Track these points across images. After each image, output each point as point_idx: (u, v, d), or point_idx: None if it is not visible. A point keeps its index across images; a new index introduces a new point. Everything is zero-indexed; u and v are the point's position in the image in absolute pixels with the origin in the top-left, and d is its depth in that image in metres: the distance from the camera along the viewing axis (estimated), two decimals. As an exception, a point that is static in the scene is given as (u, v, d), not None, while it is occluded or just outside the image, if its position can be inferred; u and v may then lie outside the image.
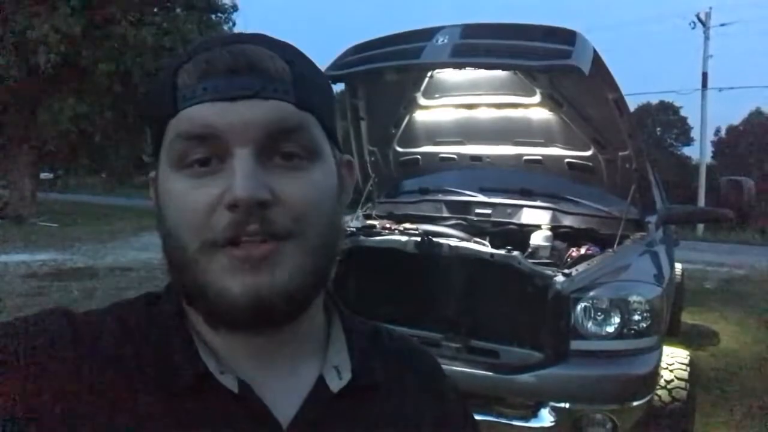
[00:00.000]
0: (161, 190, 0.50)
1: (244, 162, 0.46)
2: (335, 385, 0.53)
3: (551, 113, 3.33)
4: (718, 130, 36.55)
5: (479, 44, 2.82)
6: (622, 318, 2.49)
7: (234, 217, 0.46)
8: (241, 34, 0.52)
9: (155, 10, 14.52)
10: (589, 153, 3.41)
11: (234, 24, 16.55)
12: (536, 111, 3.39)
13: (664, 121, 40.25)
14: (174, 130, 0.48)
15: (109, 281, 7.25)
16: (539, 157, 3.63)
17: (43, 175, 19.15)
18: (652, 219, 3.30)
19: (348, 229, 3.25)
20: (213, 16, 16.12)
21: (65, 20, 12.29)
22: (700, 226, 18.22)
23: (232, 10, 16.49)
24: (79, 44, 12.85)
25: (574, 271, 2.58)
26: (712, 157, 32.83)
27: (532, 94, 3.25)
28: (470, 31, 2.86)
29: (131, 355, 0.49)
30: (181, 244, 0.48)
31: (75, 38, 12.56)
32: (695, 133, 31.35)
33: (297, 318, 0.51)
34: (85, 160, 17.05)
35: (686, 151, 37.44)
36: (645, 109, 39.01)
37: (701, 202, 17.65)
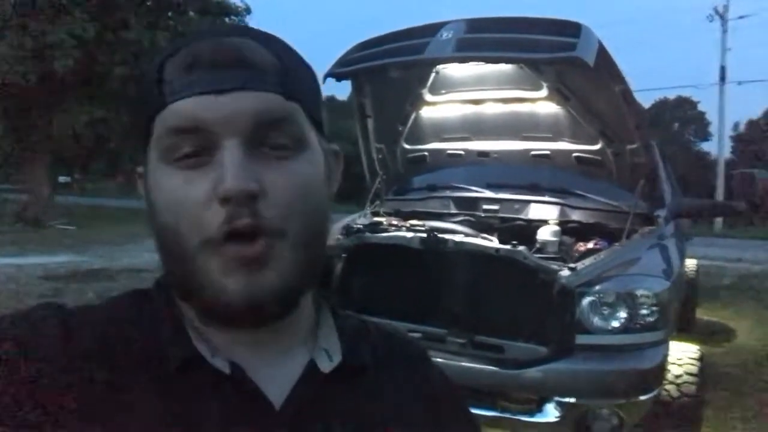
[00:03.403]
0: (152, 184, 0.51)
1: (233, 154, 0.47)
2: (326, 366, 0.53)
3: (558, 107, 3.31)
4: (737, 125, 35.98)
5: (484, 38, 2.81)
6: (628, 312, 2.47)
7: (227, 212, 0.46)
8: (228, 27, 0.53)
9: (169, 14, 14.67)
10: (597, 147, 3.39)
11: (247, 26, 16.66)
12: (543, 105, 3.37)
13: (682, 116, 39.79)
14: (162, 125, 0.48)
15: (124, 282, 7.33)
16: (547, 152, 3.61)
17: (61, 179, 19.41)
18: (662, 213, 3.26)
19: (355, 226, 3.26)
20: (226, 19, 16.25)
21: (81, 26, 12.46)
22: (718, 222, 17.97)
23: (245, 13, 16.64)
24: (95, 49, 13.03)
25: (579, 265, 2.56)
26: (732, 152, 32.31)
27: (538, 88, 3.23)
28: (474, 25, 2.86)
29: (122, 342, 0.50)
30: (177, 241, 0.48)
31: (90, 43, 12.74)
32: (714, 128, 30.86)
33: (289, 314, 0.52)
34: (100, 164, 17.26)
35: (705, 146, 36.95)
36: (662, 105, 38.60)
37: (719, 197, 17.39)
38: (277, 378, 0.52)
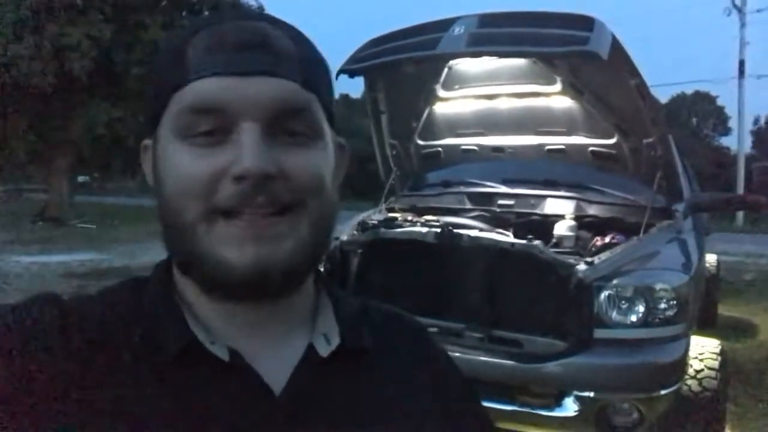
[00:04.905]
0: (161, 158, 0.50)
1: (252, 136, 0.47)
2: (324, 350, 0.53)
3: (573, 101, 3.28)
4: (757, 119, 35.33)
5: (496, 33, 2.80)
6: (647, 306, 2.44)
7: (240, 189, 0.47)
8: (248, 11, 0.53)
9: (183, 13, 14.80)
10: (612, 141, 3.35)
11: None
12: (557, 99, 3.34)
13: (700, 111, 39.16)
14: (181, 102, 0.48)
15: (143, 280, 7.40)
16: (562, 147, 3.58)
17: (81, 179, 19.67)
18: (680, 207, 3.22)
19: (370, 222, 3.26)
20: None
21: (97, 27, 12.61)
22: (739, 218, 17.71)
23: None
24: (111, 50, 13.19)
25: (596, 260, 2.54)
26: (752, 146, 31.73)
27: (552, 82, 3.20)
28: (487, 20, 2.84)
29: (120, 331, 0.50)
30: (180, 211, 0.48)
31: (107, 44, 12.89)
32: (733, 123, 30.28)
33: (292, 291, 0.52)
34: (119, 164, 17.44)
35: (724, 141, 36.32)
36: (680, 100, 38.01)
37: (739, 192, 17.11)
38: (275, 363, 0.52)
